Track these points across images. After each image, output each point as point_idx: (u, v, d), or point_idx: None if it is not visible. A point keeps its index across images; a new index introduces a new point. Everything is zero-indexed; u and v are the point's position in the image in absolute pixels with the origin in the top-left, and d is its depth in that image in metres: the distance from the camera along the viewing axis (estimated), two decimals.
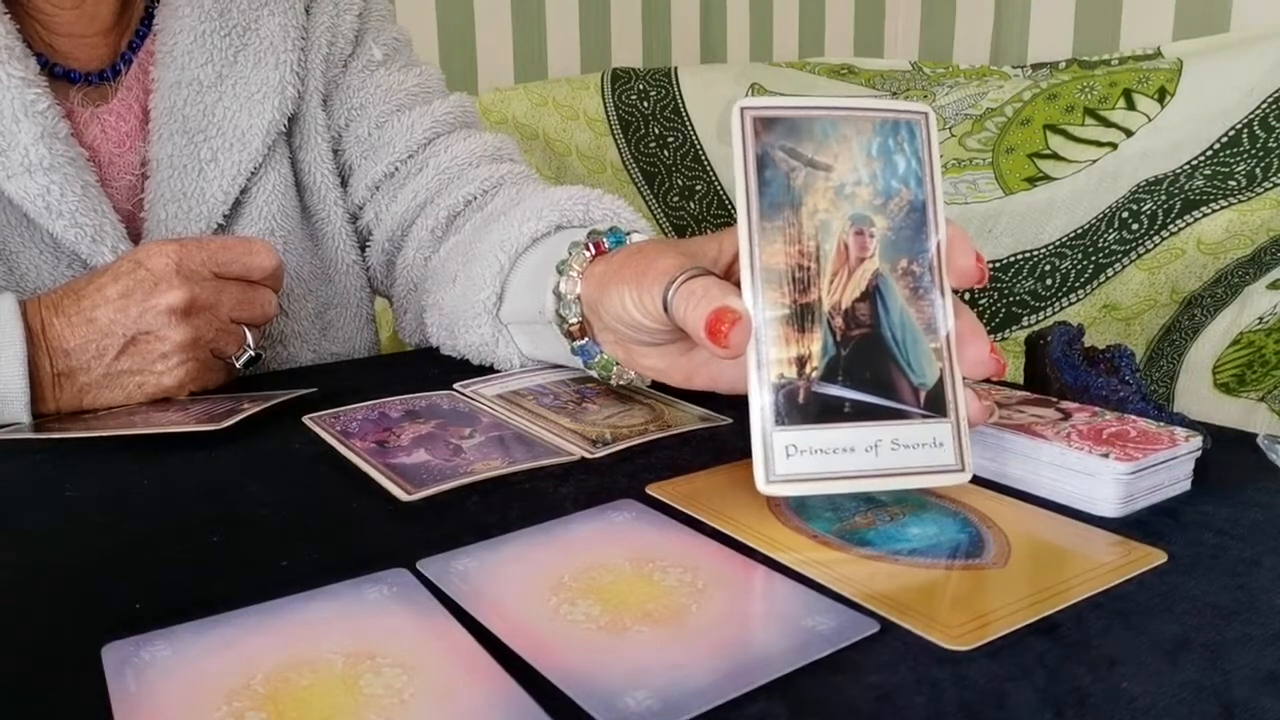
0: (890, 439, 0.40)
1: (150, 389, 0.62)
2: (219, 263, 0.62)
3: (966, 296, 1.34)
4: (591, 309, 0.54)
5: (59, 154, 0.66)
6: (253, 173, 0.74)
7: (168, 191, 0.72)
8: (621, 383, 0.59)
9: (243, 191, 0.74)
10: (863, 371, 0.40)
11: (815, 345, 0.40)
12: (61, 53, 0.70)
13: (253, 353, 0.66)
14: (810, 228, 0.40)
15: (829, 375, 0.40)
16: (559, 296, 0.56)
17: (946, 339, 0.41)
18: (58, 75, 0.69)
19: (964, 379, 0.42)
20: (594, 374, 0.59)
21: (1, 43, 0.64)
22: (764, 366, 0.40)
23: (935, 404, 0.41)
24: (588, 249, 0.56)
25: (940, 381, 0.41)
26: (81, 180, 0.67)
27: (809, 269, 0.40)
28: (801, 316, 0.40)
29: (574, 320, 0.56)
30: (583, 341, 0.57)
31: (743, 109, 0.41)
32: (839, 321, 0.40)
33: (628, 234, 0.57)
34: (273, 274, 0.65)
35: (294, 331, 0.78)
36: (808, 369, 0.40)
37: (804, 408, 0.40)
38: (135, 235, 0.71)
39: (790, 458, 0.40)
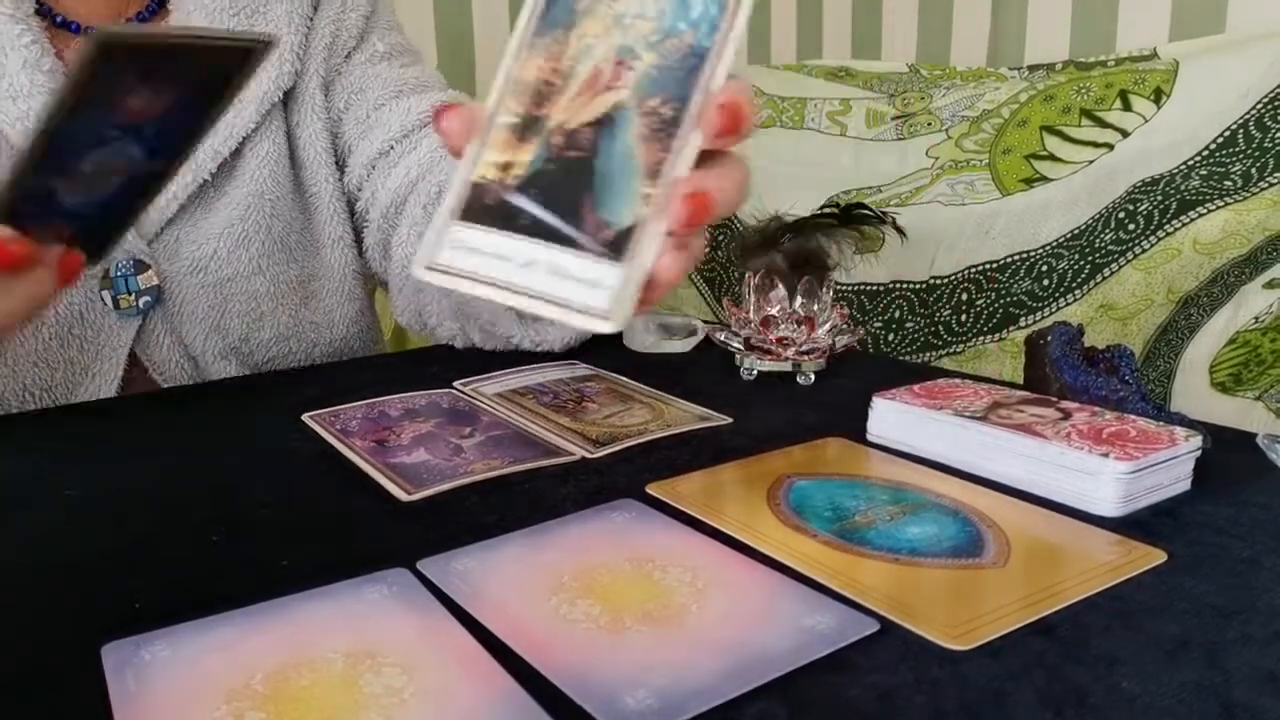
0: (551, 263, 0.37)
1: None
2: None
3: (966, 293, 1.34)
4: None
5: (39, 84, 0.68)
6: (245, 138, 0.77)
7: None
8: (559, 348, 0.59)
9: (236, 155, 0.77)
10: (558, 193, 0.38)
11: (526, 156, 0.39)
12: (65, 5, 0.73)
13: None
14: (575, 49, 0.39)
15: (524, 187, 0.38)
16: None
17: (668, 189, 0.37)
18: (58, 24, 0.73)
19: (670, 231, 0.37)
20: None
21: None
22: (473, 164, 0.39)
23: (616, 247, 0.37)
24: None
25: (633, 227, 0.37)
26: None
27: (554, 86, 0.39)
28: (526, 127, 0.39)
29: None
30: None
31: None
32: (558, 140, 0.39)
33: None
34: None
35: (272, 294, 0.79)
36: (509, 175, 0.39)
37: (487, 209, 0.39)
38: None
39: (454, 250, 0.38)
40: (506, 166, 0.39)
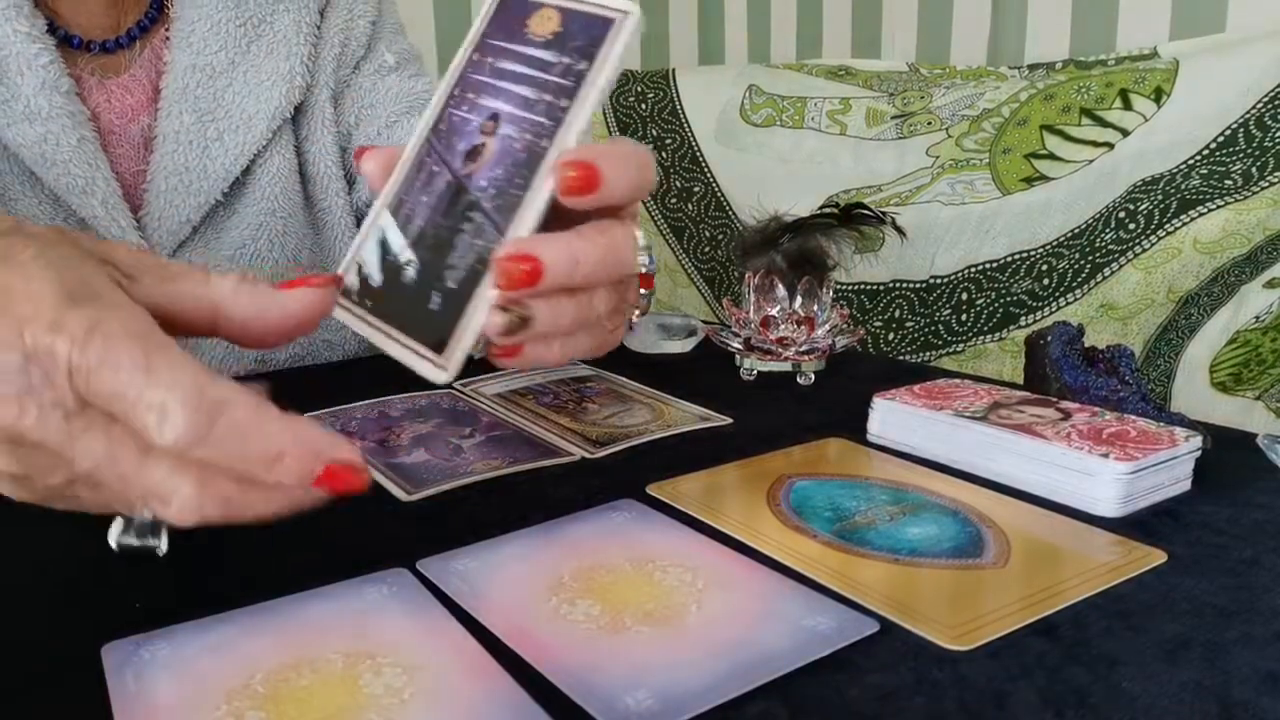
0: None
1: None
2: (92, 388, 0.31)
3: (966, 293, 1.34)
4: None
5: (58, 106, 0.67)
6: (256, 155, 0.76)
7: (171, 164, 0.74)
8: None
9: (246, 172, 0.76)
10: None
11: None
12: (64, 18, 0.72)
13: (134, 539, 0.37)
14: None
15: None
16: None
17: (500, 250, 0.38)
18: (60, 38, 0.71)
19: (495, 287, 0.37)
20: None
21: (10, 1, 0.67)
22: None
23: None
24: None
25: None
26: (78, 134, 0.68)
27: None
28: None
29: None
30: None
31: None
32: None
33: None
34: (193, 448, 0.31)
35: None
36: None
37: (383, 247, 0.41)
38: (135, 205, 0.73)
39: (352, 283, 0.41)
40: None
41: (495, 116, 0.40)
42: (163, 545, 0.37)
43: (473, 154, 0.40)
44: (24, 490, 0.35)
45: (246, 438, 0.31)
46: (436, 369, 0.38)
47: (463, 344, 0.37)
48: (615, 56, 0.38)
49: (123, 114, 0.73)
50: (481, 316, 0.37)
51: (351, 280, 0.41)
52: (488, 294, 0.37)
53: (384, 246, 0.40)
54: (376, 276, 0.40)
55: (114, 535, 0.37)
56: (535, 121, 0.39)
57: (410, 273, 0.40)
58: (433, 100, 0.42)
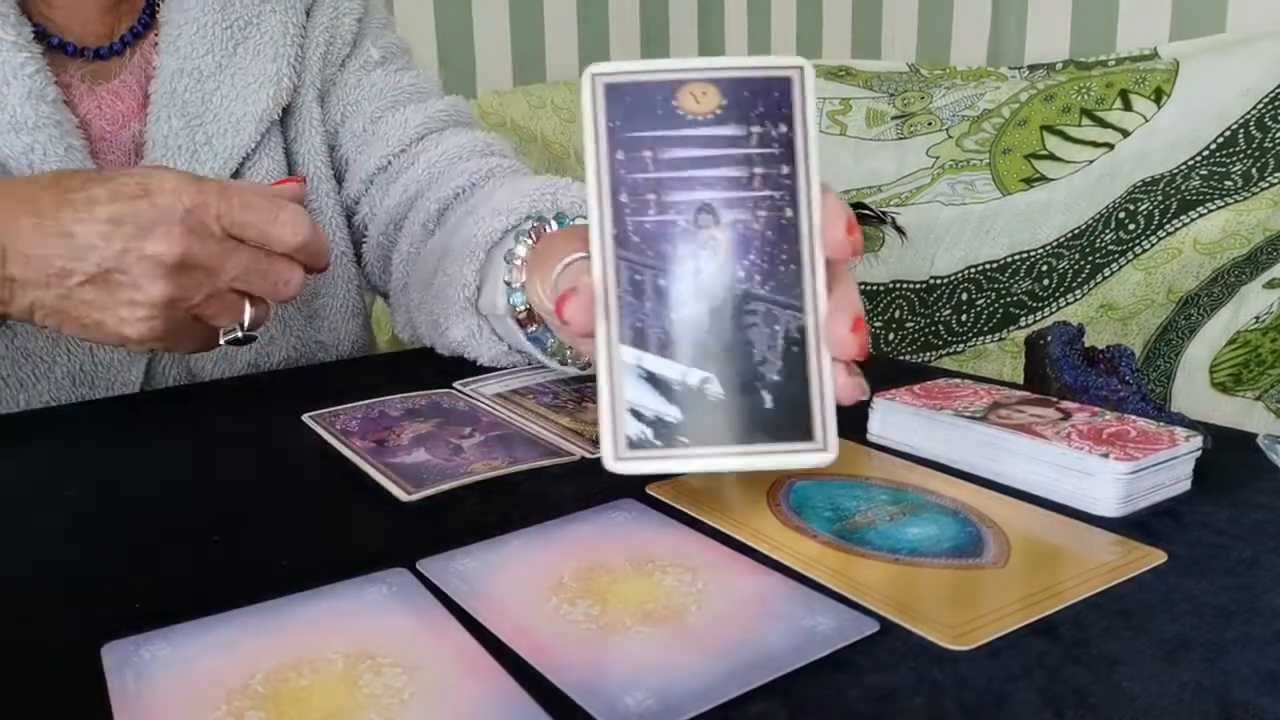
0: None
1: (108, 332, 0.55)
2: (236, 222, 0.54)
3: (966, 293, 1.34)
4: (529, 297, 0.56)
5: (44, 115, 0.66)
6: (245, 158, 0.76)
7: None
8: (580, 366, 0.59)
9: (235, 176, 0.76)
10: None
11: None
12: (58, 24, 0.72)
13: (239, 334, 0.57)
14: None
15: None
16: (508, 286, 0.57)
17: (814, 312, 0.38)
18: (54, 46, 0.71)
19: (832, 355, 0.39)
20: (551, 362, 0.59)
21: None
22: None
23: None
24: (530, 237, 0.57)
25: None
26: (66, 143, 0.68)
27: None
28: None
29: (521, 308, 0.57)
30: (533, 329, 0.57)
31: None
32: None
33: (573, 219, 0.58)
34: (302, 249, 0.56)
35: (278, 315, 0.78)
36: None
37: (654, 382, 0.38)
38: None
39: (639, 433, 0.38)
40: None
41: (708, 208, 0.38)
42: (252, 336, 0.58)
43: (702, 251, 0.38)
44: (165, 314, 0.54)
45: (324, 239, 0.57)
46: (817, 454, 0.38)
47: (830, 421, 0.38)
48: (813, 111, 0.38)
49: (114, 120, 0.73)
50: (831, 389, 0.38)
51: (634, 433, 0.38)
52: (828, 367, 0.38)
53: (656, 382, 0.38)
54: (670, 412, 0.38)
55: (223, 338, 0.57)
56: (763, 197, 0.38)
57: (715, 388, 0.38)
58: (592, 217, 0.39)
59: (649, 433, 0.38)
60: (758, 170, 0.38)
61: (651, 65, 0.40)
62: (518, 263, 0.57)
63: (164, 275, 0.53)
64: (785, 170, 0.38)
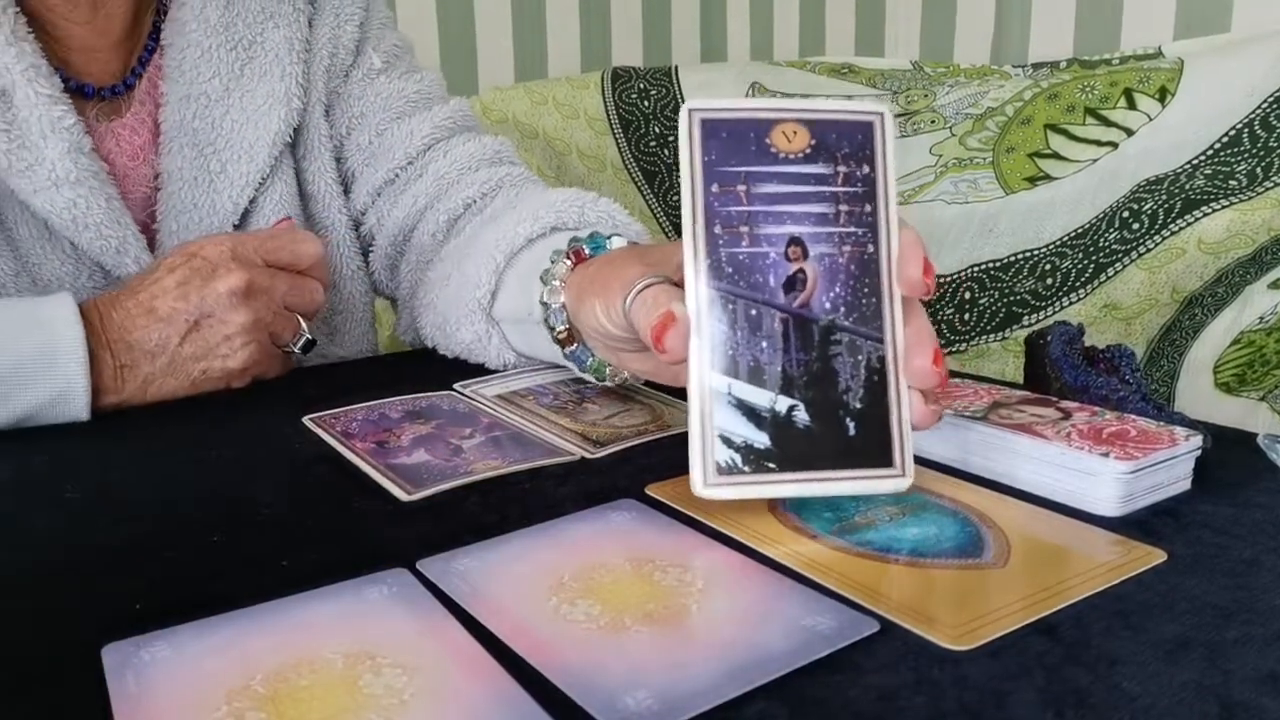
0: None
1: (215, 374, 0.64)
2: (268, 250, 0.65)
3: (969, 292, 1.34)
4: (574, 317, 0.55)
5: (84, 168, 0.66)
6: (260, 183, 0.75)
7: (179, 203, 0.73)
8: (617, 382, 0.59)
9: (251, 201, 0.75)
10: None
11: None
12: (75, 67, 0.70)
13: (308, 337, 0.68)
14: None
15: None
16: (545, 306, 0.57)
17: (893, 344, 0.41)
18: (73, 90, 0.69)
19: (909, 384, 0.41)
20: (590, 377, 0.59)
21: (29, 61, 0.65)
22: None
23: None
24: (568, 258, 0.57)
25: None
26: (105, 194, 0.68)
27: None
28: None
29: (561, 328, 0.57)
30: (573, 348, 0.58)
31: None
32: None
33: (608, 238, 0.58)
34: (319, 263, 0.68)
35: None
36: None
37: (743, 409, 0.40)
38: (150, 246, 0.72)
39: (728, 459, 0.40)
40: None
41: (797, 241, 0.41)
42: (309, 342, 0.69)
43: (792, 283, 0.40)
44: (255, 336, 0.64)
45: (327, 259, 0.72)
46: (896, 479, 0.41)
47: (908, 448, 0.41)
48: (892, 154, 0.41)
49: (133, 156, 0.72)
50: (909, 417, 0.40)
51: (723, 460, 0.40)
52: (905, 396, 0.40)
53: (745, 409, 0.40)
54: (759, 439, 0.40)
55: (295, 347, 0.68)
56: (848, 233, 0.41)
57: (802, 415, 0.40)
58: (687, 247, 0.40)
59: (737, 459, 0.40)
60: (843, 207, 0.41)
61: (744, 104, 0.42)
62: (556, 283, 0.56)
63: (241, 302, 0.62)
64: (868, 208, 0.41)
